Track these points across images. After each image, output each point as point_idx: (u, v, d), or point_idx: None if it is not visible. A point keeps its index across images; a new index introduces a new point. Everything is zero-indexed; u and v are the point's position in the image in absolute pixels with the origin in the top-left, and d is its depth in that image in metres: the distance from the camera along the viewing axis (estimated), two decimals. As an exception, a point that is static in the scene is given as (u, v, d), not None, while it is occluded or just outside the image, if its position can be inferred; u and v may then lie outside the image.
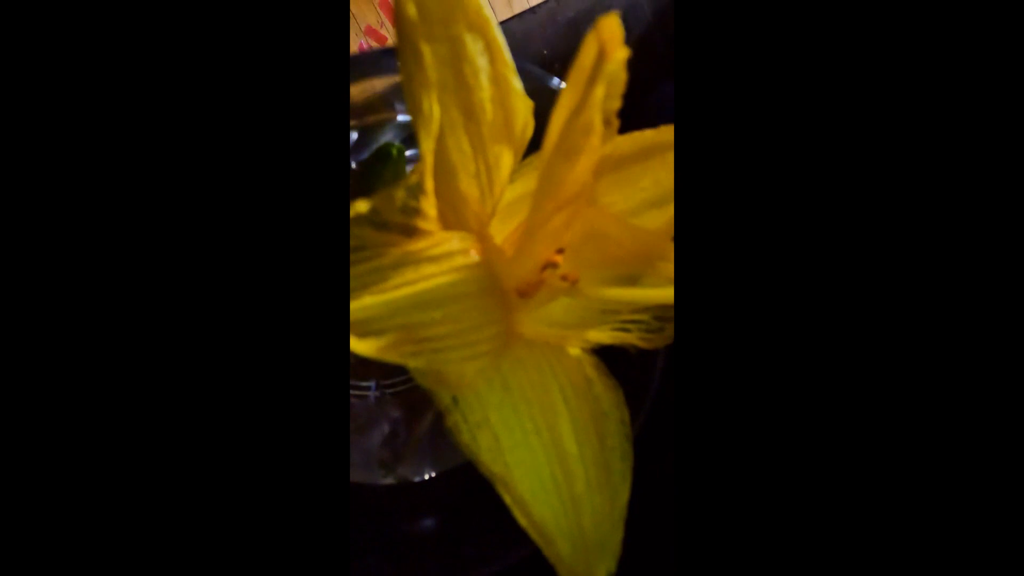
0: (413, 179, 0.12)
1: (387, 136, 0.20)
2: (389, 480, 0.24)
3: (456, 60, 0.13)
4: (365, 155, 0.20)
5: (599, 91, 0.10)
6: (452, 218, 0.15)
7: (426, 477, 0.24)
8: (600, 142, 0.12)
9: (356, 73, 0.19)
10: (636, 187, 0.16)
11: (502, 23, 0.38)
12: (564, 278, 0.14)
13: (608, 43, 0.10)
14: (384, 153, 0.20)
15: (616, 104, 0.12)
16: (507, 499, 0.14)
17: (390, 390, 0.26)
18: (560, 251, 0.15)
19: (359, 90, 0.19)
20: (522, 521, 0.14)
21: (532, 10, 0.39)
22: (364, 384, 0.26)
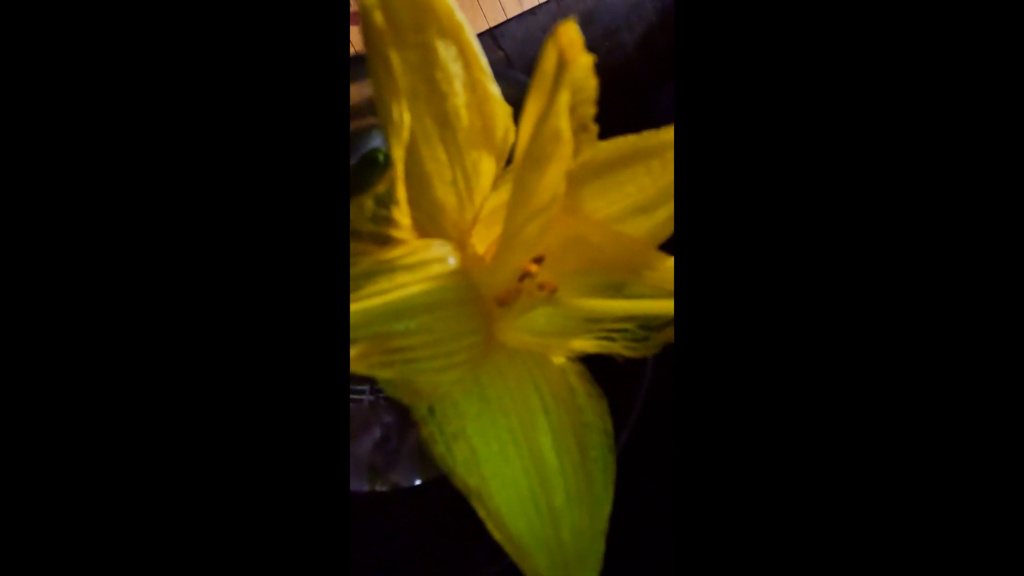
0: (382, 188, 0.12)
1: (374, 142, 0.20)
2: (380, 487, 0.24)
3: (427, 67, 0.12)
4: (351, 161, 0.20)
5: (563, 98, 0.10)
6: (429, 227, 0.15)
7: (416, 483, 0.23)
8: (570, 149, 0.11)
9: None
10: (620, 193, 0.16)
11: (501, 25, 0.38)
12: (541, 287, 0.14)
13: (567, 49, 0.09)
14: (370, 159, 0.19)
15: (591, 110, 0.12)
16: (481, 512, 0.14)
17: (383, 394, 0.26)
18: (539, 260, 0.15)
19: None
20: (497, 535, 0.14)
21: (532, 11, 0.38)
22: (359, 388, 0.26)
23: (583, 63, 0.10)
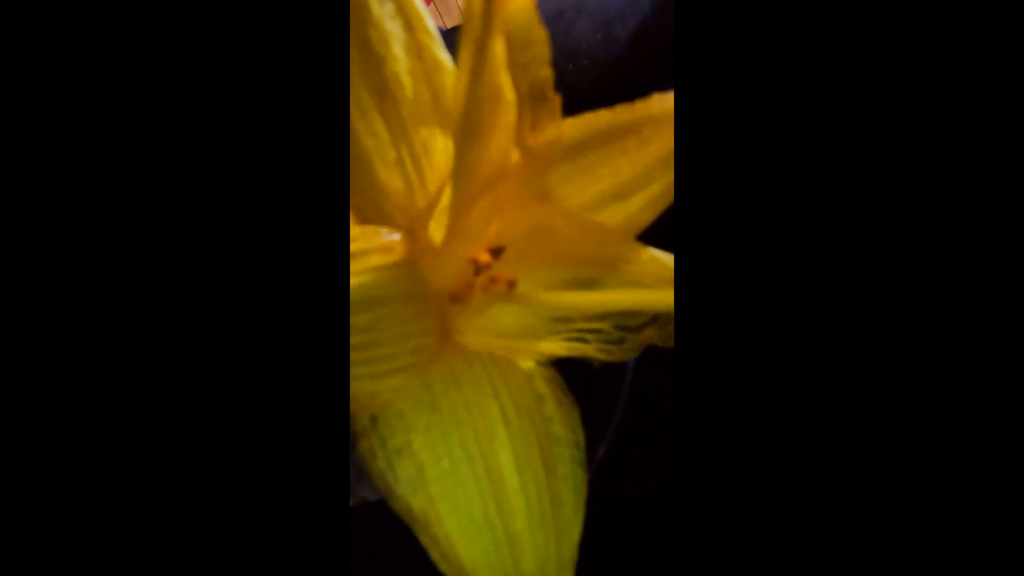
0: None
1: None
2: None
3: (357, 24, 0.11)
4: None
5: (497, 47, 0.08)
6: (373, 213, 0.13)
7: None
8: (513, 113, 0.10)
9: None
10: (591, 177, 0.14)
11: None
12: (494, 280, 0.12)
13: (494, -18, 0.08)
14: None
15: (544, 71, 0.10)
16: (424, 539, 0.12)
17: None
18: (498, 251, 0.13)
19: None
20: (443, 566, 0.12)
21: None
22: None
23: (519, 3, 0.08)
